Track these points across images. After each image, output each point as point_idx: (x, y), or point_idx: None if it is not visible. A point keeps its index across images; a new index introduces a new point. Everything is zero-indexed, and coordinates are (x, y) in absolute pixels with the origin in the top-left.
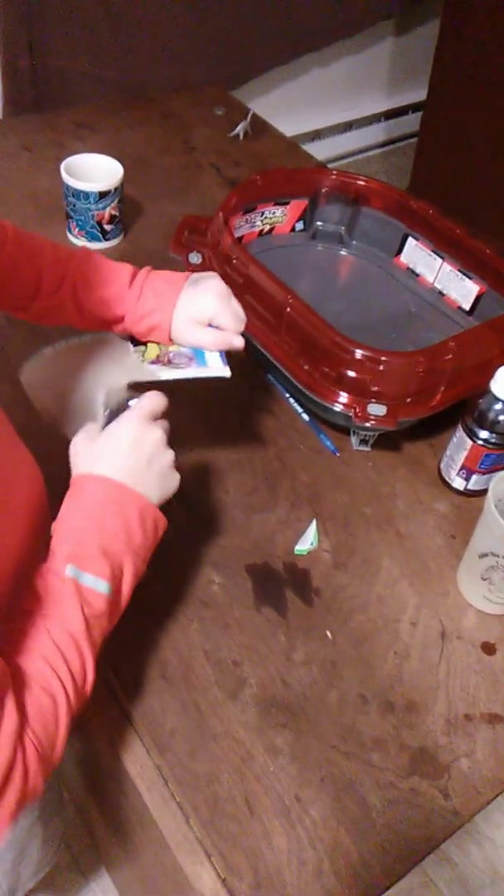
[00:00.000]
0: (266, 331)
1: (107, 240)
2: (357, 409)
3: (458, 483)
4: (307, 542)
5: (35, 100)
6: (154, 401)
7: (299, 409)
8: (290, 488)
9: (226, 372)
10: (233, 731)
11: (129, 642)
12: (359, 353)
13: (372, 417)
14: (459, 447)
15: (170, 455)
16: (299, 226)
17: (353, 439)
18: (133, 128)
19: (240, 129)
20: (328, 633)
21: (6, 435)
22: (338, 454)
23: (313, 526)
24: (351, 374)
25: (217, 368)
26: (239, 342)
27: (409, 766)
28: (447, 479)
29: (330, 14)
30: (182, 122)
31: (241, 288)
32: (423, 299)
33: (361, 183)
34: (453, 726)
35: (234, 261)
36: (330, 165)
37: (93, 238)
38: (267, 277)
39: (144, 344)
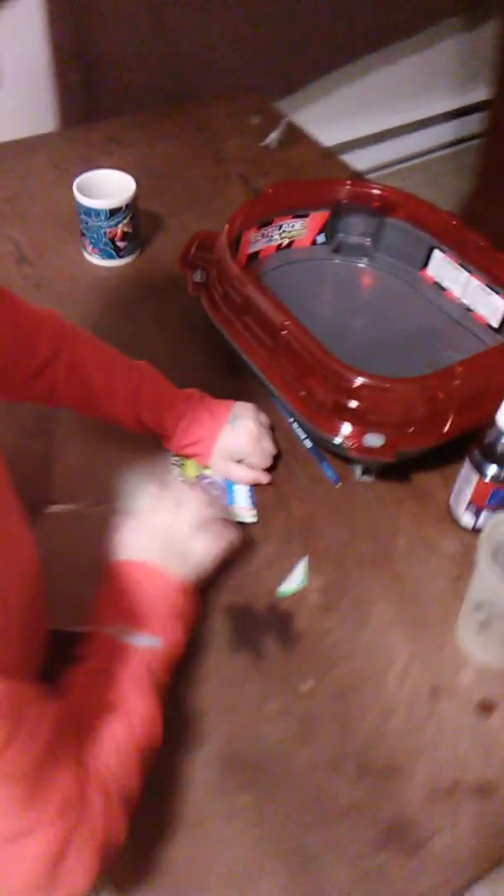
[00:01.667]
0: (264, 354)
1: (120, 257)
2: (352, 440)
3: (467, 520)
4: (294, 582)
5: (87, 112)
6: (155, 486)
7: (301, 435)
8: (283, 522)
9: (250, 517)
10: (188, 789)
11: None
12: (355, 380)
13: (367, 448)
14: (467, 482)
15: (184, 536)
16: (320, 239)
17: (356, 469)
18: (164, 140)
19: (272, 137)
20: (304, 685)
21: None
22: (338, 485)
23: (302, 565)
24: (347, 401)
25: (243, 512)
26: (265, 479)
27: (382, 840)
28: (455, 515)
29: (390, 13)
30: (215, 132)
31: (240, 309)
32: (449, 316)
33: (383, 193)
34: (435, 796)
35: (235, 280)
36: (396, 167)
37: (106, 256)
38: (265, 298)
39: (184, 457)
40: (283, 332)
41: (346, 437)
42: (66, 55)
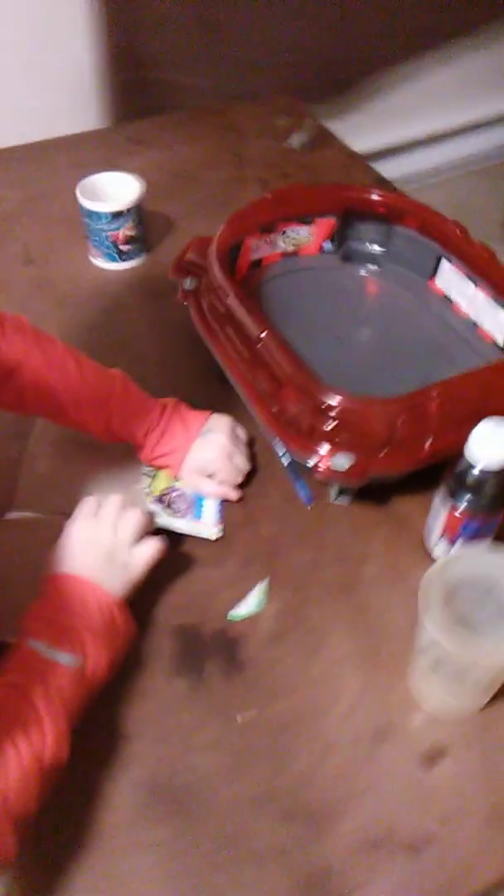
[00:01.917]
0: (242, 366)
1: (123, 260)
2: (321, 460)
3: (439, 552)
4: (248, 606)
5: (138, 112)
6: (90, 502)
7: (280, 451)
8: (247, 542)
9: (214, 533)
10: (103, 816)
11: None
12: (325, 397)
13: (335, 471)
14: (439, 512)
15: (121, 545)
16: (328, 246)
17: (332, 490)
18: (186, 141)
19: (295, 140)
20: (238, 718)
21: None
22: (310, 506)
23: (259, 588)
24: (317, 419)
25: (208, 526)
26: (234, 495)
27: (298, 889)
28: (428, 546)
29: (443, 11)
30: (239, 133)
31: (223, 318)
32: (454, 330)
33: (390, 200)
34: (362, 848)
35: (218, 288)
36: (454, 171)
37: (110, 259)
38: (244, 307)
39: (157, 468)
40: (259, 344)
41: (315, 457)
42: (115, 54)
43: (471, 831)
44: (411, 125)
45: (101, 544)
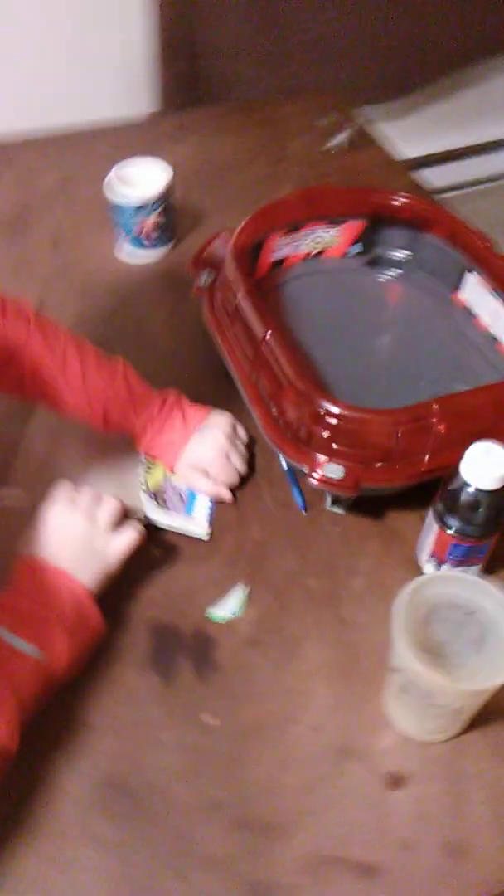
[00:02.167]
0: (246, 366)
1: (148, 250)
2: (314, 467)
3: (429, 570)
4: (227, 608)
5: (187, 104)
6: (67, 487)
7: (279, 454)
8: (235, 543)
9: (203, 533)
10: (57, 804)
11: None
12: (322, 404)
13: (326, 479)
14: (429, 531)
15: (98, 535)
16: (354, 250)
17: (327, 498)
18: (230, 133)
19: (337, 140)
20: (206, 719)
21: None
22: (305, 512)
23: (240, 592)
24: (314, 426)
25: (198, 525)
26: (227, 496)
27: None
28: (419, 564)
29: None
30: (283, 129)
31: (232, 316)
32: (473, 344)
33: (419, 207)
34: (311, 866)
35: (230, 284)
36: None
37: (135, 248)
38: (252, 306)
39: (153, 461)
40: (262, 346)
41: (310, 464)
42: (170, 44)
43: (427, 861)
44: (468, 131)
45: (77, 531)
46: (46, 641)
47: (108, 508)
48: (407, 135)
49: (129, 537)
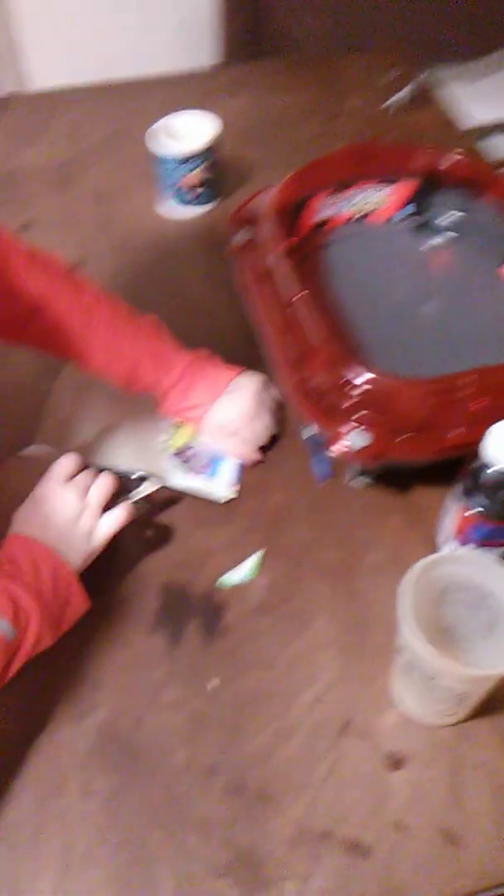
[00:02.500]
0: (274, 328)
1: (191, 206)
2: (336, 435)
3: (447, 550)
4: (239, 574)
5: (251, 55)
6: (65, 464)
7: (304, 419)
8: (253, 508)
9: (226, 495)
10: (57, 756)
11: None
12: (350, 369)
13: (350, 449)
14: (450, 510)
15: (87, 515)
16: (404, 213)
17: (349, 470)
18: (286, 90)
19: (396, 98)
20: (209, 683)
21: None
22: (323, 482)
23: (254, 559)
24: (340, 392)
25: (222, 487)
26: (253, 458)
27: (225, 866)
28: (437, 542)
29: None
30: (342, 86)
31: (264, 275)
32: None
33: (474, 169)
34: (301, 839)
35: (265, 243)
36: None
37: (178, 203)
38: (284, 267)
39: (178, 423)
40: (292, 307)
41: (332, 433)
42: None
43: (420, 845)
44: None
45: (67, 511)
46: (23, 620)
47: (102, 489)
48: (479, 99)
49: (116, 519)
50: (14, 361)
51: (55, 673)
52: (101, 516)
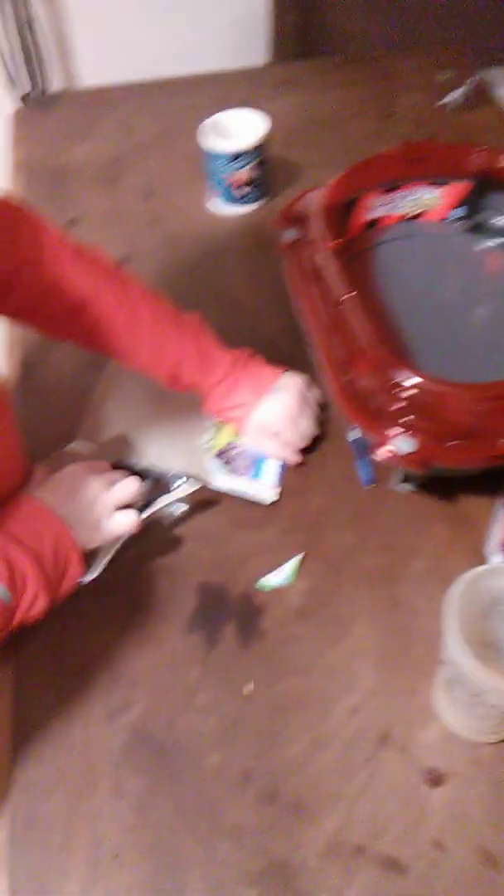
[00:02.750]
0: (322, 328)
1: (239, 204)
2: (382, 440)
3: (496, 561)
4: (279, 577)
5: (300, 54)
6: (100, 462)
7: (349, 422)
8: (294, 512)
9: (268, 498)
10: (90, 753)
11: (43, 621)
12: (398, 373)
13: (395, 454)
14: (499, 519)
15: (102, 505)
16: (456, 214)
17: (395, 475)
18: (336, 88)
19: (452, 97)
20: (245, 688)
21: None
22: (367, 487)
23: (294, 562)
24: (387, 396)
25: (265, 489)
26: (294, 459)
27: (255, 876)
28: (485, 553)
29: None
30: (394, 85)
31: (313, 275)
32: None
33: None
34: (335, 852)
35: (315, 242)
36: None
37: (226, 201)
38: (335, 265)
39: (221, 423)
40: (341, 306)
41: (378, 437)
42: None
43: (458, 865)
44: None
45: (86, 493)
46: (19, 583)
47: (125, 489)
48: None
49: (125, 522)
50: (57, 357)
51: (90, 667)
52: (113, 513)
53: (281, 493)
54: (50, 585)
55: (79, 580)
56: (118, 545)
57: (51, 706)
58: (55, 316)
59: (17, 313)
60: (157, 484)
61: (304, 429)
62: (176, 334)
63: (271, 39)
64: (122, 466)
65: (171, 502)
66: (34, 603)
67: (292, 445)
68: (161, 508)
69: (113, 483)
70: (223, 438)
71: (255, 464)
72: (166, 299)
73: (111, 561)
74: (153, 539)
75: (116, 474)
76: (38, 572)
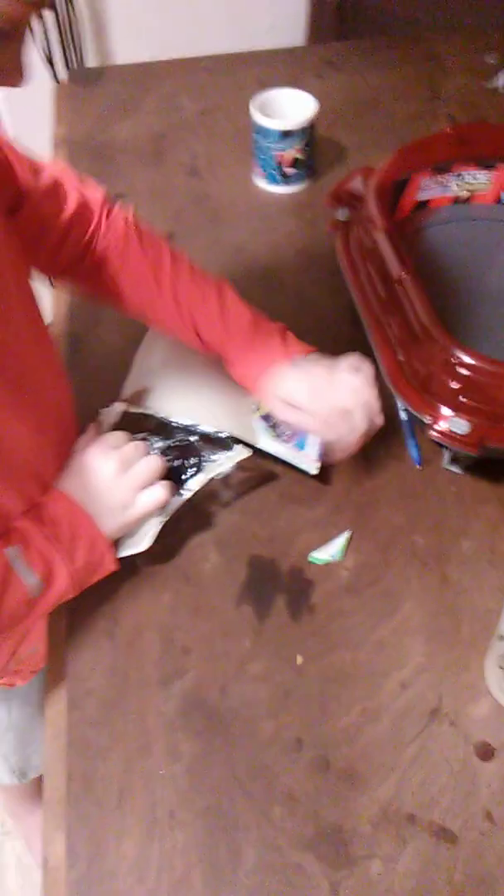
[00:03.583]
0: (376, 308)
1: (286, 184)
2: (436, 420)
3: None
4: (329, 552)
5: (339, 35)
6: (115, 435)
7: (400, 404)
8: (343, 489)
9: (313, 468)
10: (145, 717)
11: (97, 589)
12: (454, 353)
13: (449, 434)
14: None
15: (124, 487)
16: None
17: (445, 455)
18: (380, 68)
19: (500, 79)
20: (298, 658)
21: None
22: (419, 466)
23: (344, 538)
24: (442, 376)
25: (308, 460)
26: (329, 438)
27: (309, 840)
28: None
29: None
30: (439, 67)
31: (367, 254)
32: None
33: None
34: (388, 820)
35: (369, 221)
36: None
37: (272, 180)
38: (390, 245)
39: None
40: (396, 287)
41: (433, 416)
42: None
43: None
44: None
45: (103, 478)
46: (50, 577)
47: (147, 465)
48: None
49: (155, 496)
50: (105, 330)
51: (143, 634)
52: (138, 492)
53: (331, 470)
54: (79, 583)
55: (108, 572)
56: (167, 516)
57: (104, 671)
58: (91, 272)
59: (64, 272)
60: (208, 446)
61: (354, 422)
62: (199, 292)
63: (310, 19)
64: (170, 426)
65: (223, 469)
66: (62, 598)
67: (328, 426)
68: (212, 476)
69: (127, 461)
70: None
71: (301, 434)
72: (188, 259)
73: (162, 531)
74: (204, 511)
75: (132, 449)
76: (71, 573)
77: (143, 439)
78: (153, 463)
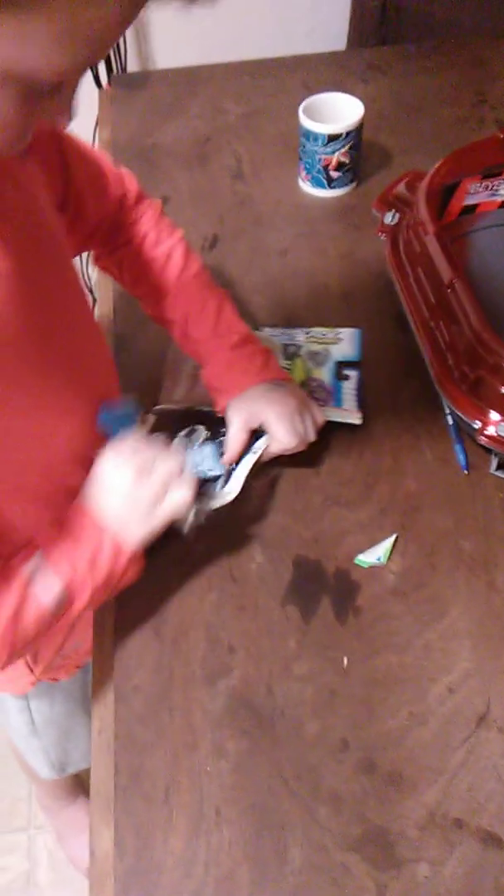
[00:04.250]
0: (425, 312)
1: (331, 188)
2: (486, 425)
3: None
4: (375, 554)
5: (381, 40)
6: (129, 443)
7: (447, 408)
8: (390, 492)
9: (357, 419)
10: (190, 714)
11: (144, 587)
12: (500, 356)
13: (497, 438)
14: None
15: (147, 493)
16: None
17: (493, 461)
18: (425, 73)
19: None
20: (345, 660)
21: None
22: (466, 472)
23: (390, 541)
24: (491, 380)
25: (350, 413)
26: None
27: (355, 841)
28: None
29: None
30: (487, 71)
31: (417, 258)
32: None
33: None
34: (435, 824)
35: (420, 225)
36: None
37: (317, 184)
38: (441, 249)
39: (292, 359)
40: (447, 291)
41: (482, 420)
42: None
43: None
44: None
45: (125, 487)
46: (70, 592)
47: (167, 467)
48: None
49: (178, 500)
50: (151, 332)
51: (189, 632)
52: (162, 496)
53: (377, 474)
54: (99, 598)
55: (131, 581)
56: (250, 465)
57: (150, 667)
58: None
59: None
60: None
61: (298, 427)
62: (198, 298)
63: (353, 24)
64: (199, 412)
65: (258, 457)
66: (81, 611)
67: (280, 441)
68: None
69: (146, 468)
70: (297, 373)
71: (335, 392)
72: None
73: (207, 531)
74: (249, 512)
75: (150, 453)
76: (92, 590)
77: (191, 431)
78: (171, 464)
